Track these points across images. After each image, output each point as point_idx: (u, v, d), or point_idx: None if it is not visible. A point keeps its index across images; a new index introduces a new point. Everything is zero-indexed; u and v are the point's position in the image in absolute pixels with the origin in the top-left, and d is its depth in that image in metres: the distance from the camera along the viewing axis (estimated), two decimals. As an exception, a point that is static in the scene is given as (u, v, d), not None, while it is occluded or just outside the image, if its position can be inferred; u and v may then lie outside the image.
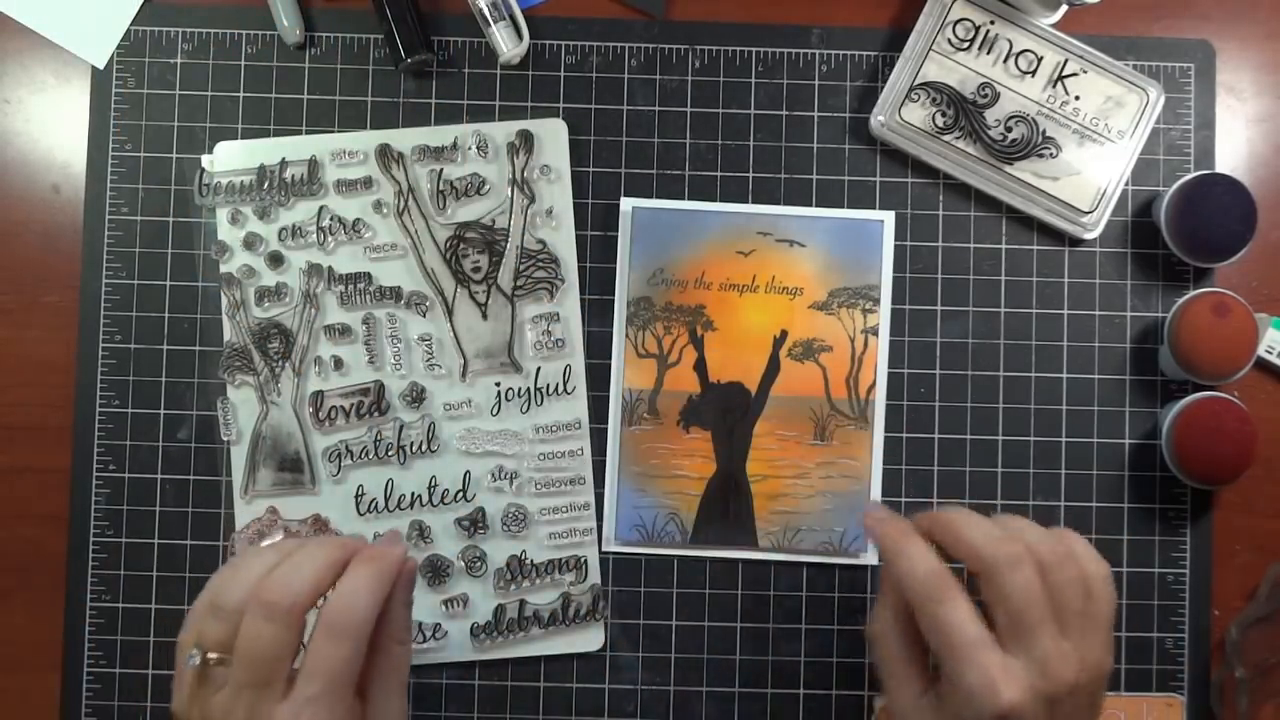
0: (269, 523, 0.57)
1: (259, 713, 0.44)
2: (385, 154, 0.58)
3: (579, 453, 0.58)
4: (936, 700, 0.46)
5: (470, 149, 0.58)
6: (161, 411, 0.58)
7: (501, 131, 0.58)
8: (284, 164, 0.58)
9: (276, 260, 0.58)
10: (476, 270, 0.58)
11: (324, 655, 0.44)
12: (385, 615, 0.47)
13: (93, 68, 0.59)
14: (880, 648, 0.49)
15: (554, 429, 0.58)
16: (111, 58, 0.59)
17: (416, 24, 0.57)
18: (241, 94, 0.59)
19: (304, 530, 0.57)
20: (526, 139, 0.58)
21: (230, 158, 0.58)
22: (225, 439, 0.57)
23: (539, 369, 0.58)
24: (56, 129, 0.59)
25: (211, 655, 0.44)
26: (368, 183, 0.58)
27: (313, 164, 0.58)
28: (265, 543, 0.49)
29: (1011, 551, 0.45)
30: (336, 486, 0.57)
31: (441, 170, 0.58)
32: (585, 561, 0.57)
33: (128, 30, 0.59)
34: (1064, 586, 0.46)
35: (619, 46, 0.59)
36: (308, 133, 0.58)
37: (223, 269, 0.58)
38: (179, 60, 0.59)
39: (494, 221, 0.58)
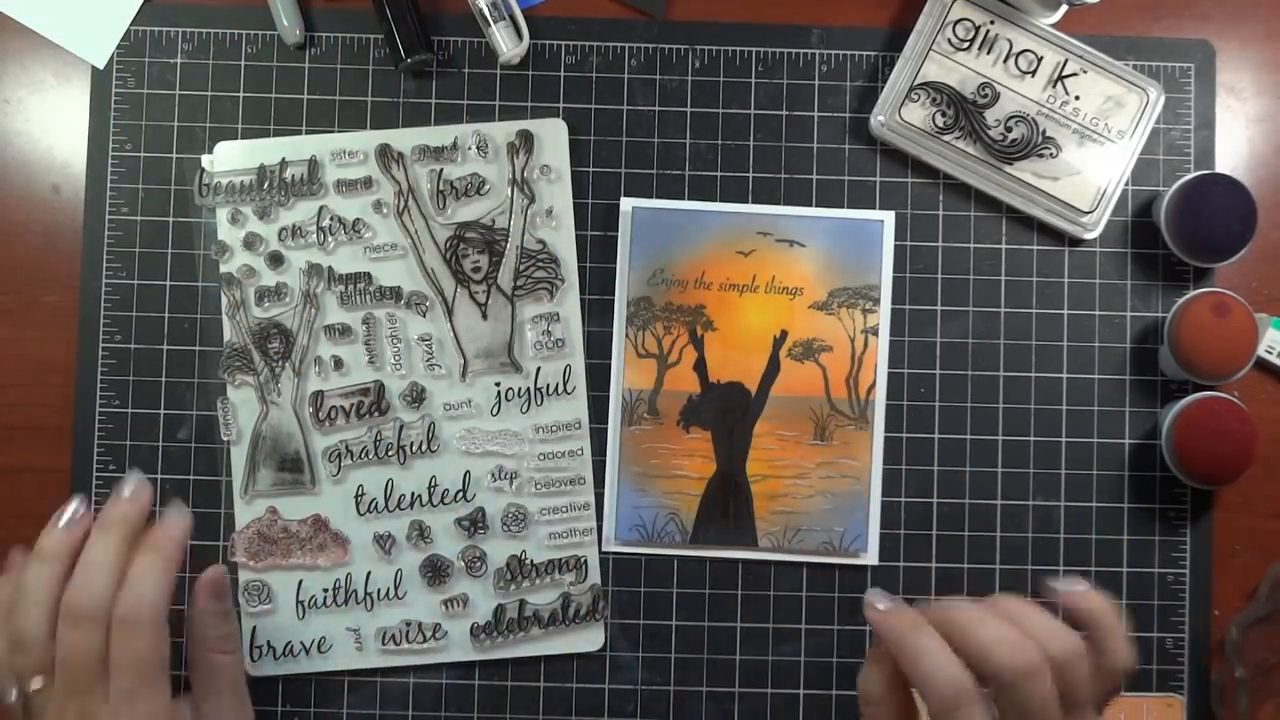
0: (268, 522, 0.57)
1: (88, 716, 0.45)
2: (385, 154, 0.58)
3: (579, 453, 0.58)
4: None
5: (470, 149, 0.58)
6: (161, 411, 0.58)
7: (501, 131, 0.58)
8: (284, 164, 0.58)
9: (276, 260, 0.58)
10: (476, 270, 0.58)
11: (126, 649, 0.45)
12: (193, 626, 0.49)
13: (93, 68, 0.59)
14: (872, 709, 0.46)
15: (554, 429, 0.58)
16: (111, 58, 0.59)
17: (416, 24, 0.57)
18: (241, 94, 0.59)
19: (303, 531, 0.57)
20: (526, 139, 0.58)
21: (230, 158, 0.58)
22: (225, 439, 0.57)
23: (539, 369, 0.58)
24: (56, 129, 0.59)
25: (31, 685, 0.46)
26: (368, 183, 0.58)
27: (313, 164, 0.58)
28: (51, 530, 0.48)
29: (1030, 661, 0.42)
30: (336, 486, 0.57)
31: (441, 170, 0.58)
32: (585, 561, 0.57)
33: (128, 30, 0.59)
34: (1078, 686, 0.44)
35: (619, 46, 0.59)
36: (308, 133, 0.58)
37: (223, 269, 0.58)
38: (179, 60, 0.59)
39: (494, 221, 0.58)
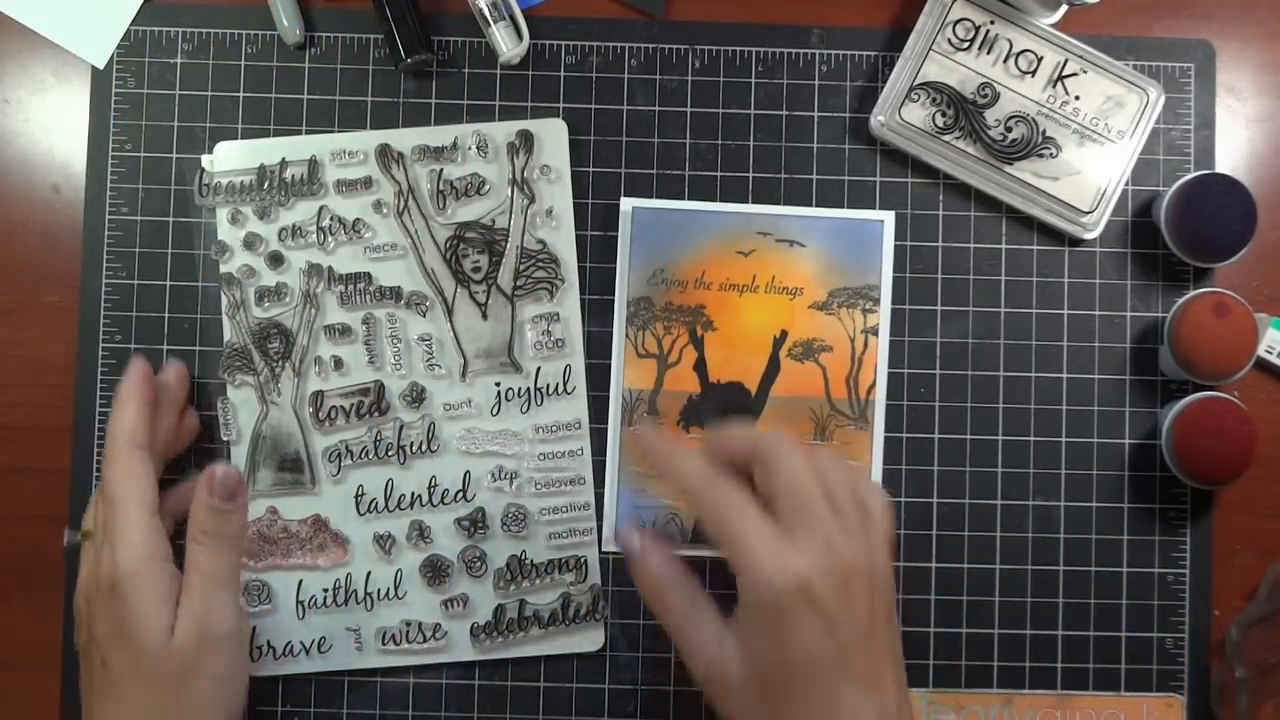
0: (268, 522, 0.57)
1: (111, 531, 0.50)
2: (385, 154, 0.58)
3: (579, 453, 0.58)
4: (737, 628, 0.46)
5: (470, 149, 0.58)
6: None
7: (501, 132, 0.58)
8: (284, 164, 0.58)
9: (276, 260, 0.58)
10: (476, 270, 0.58)
11: (106, 478, 0.51)
12: (190, 515, 0.51)
13: (93, 68, 0.59)
14: (661, 601, 0.49)
15: (554, 429, 0.58)
16: (111, 58, 0.59)
17: (416, 24, 0.57)
18: (241, 94, 0.59)
19: (303, 531, 0.57)
20: (526, 139, 0.58)
21: (230, 158, 0.58)
22: (225, 439, 0.57)
23: (539, 369, 0.58)
24: (56, 129, 0.59)
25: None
26: (368, 183, 0.58)
27: (313, 164, 0.58)
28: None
29: (788, 442, 0.47)
30: (336, 486, 0.57)
31: (441, 170, 0.58)
32: (585, 561, 0.57)
33: (128, 30, 0.59)
34: (837, 485, 0.46)
35: (619, 46, 0.59)
36: (308, 133, 0.58)
37: (223, 269, 0.58)
38: (179, 60, 0.59)
39: (494, 221, 0.58)
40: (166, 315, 0.58)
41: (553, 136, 0.58)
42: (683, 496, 0.49)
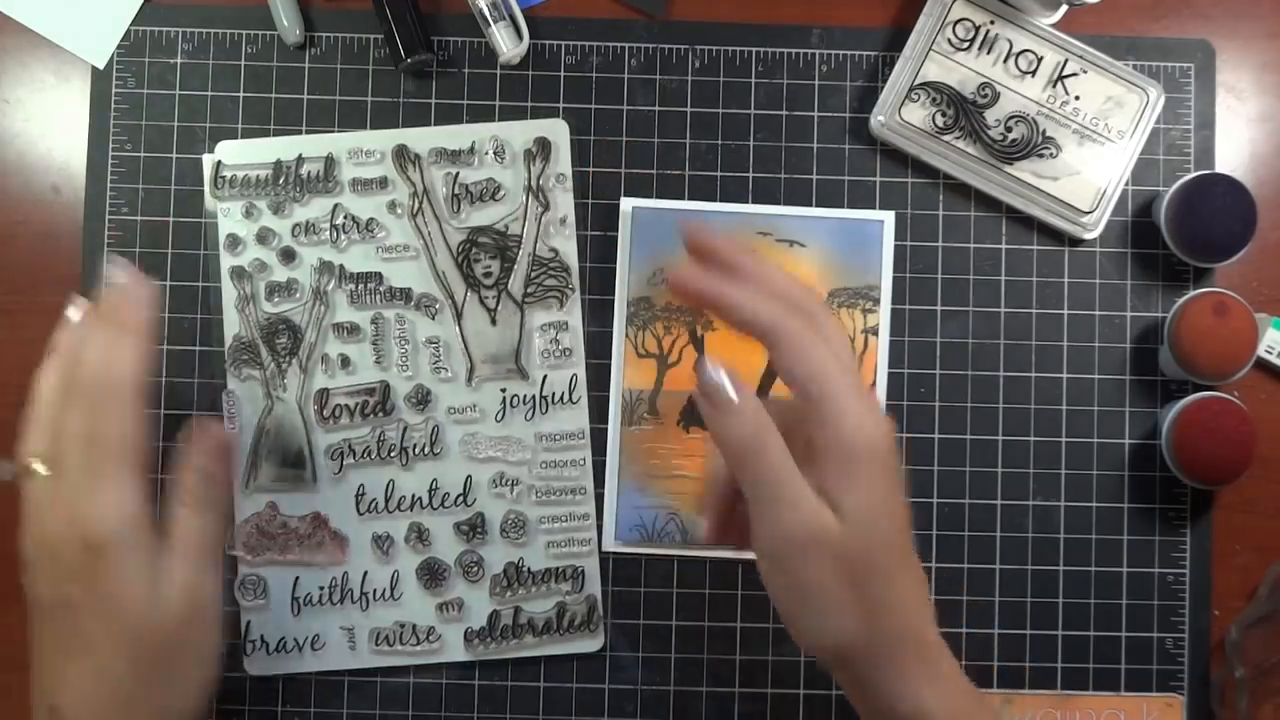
0: (268, 517, 0.57)
1: (55, 492, 0.46)
2: (402, 155, 0.58)
3: (581, 463, 0.58)
4: (832, 480, 0.43)
5: (487, 154, 0.58)
6: (161, 411, 0.58)
7: (520, 137, 0.58)
8: (300, 160, 0.58)
9: (288, 256, 0.58)
10: (488, 275, 0.58)
11: (88, 423, 0.46)
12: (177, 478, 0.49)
13: (93, 68, 0.59)
14: (764, 448, 0.44)
15: (557, 438, 0.58)
16: (111, 58, 0.59)
17: (416, 24, 0.57)
18: (241, 94, 0.59)
19: (302, 527, 0.57)
20: (544, 146, 0.58)
21: (245, 153, 0.58)
22: (229, 431, 0.57)
23: (545, 377, 0.58)
24: (56, 129, 0.59)
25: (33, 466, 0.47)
26: (383, 183, 0.58)
27: (329, 161, 0.58)
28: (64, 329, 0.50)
29: (803, 328, 0.44)
30: (337, 485, 0.57)
31: (457, 174, 0.58)
32: (583, 572, 0.57)
33: (128, 30, 0.59)
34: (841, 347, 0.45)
35: (619, 46, 0.59)
36: (308, 132, 0.58)
37: (234, 262, 0.58)
38: (179, 60, 0.59)
39: (507, 228, 0.58)
40: (167, 315, 0.58)
41: (558, 139, 0.58)
42: (744, 333, 0.45)
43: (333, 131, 0.58)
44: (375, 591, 0.57)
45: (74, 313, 0.49)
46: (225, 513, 0.51)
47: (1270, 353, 0.58)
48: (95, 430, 0.46)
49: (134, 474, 0.46)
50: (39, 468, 0.47)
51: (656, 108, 0.59)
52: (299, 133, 0.58)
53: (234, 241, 0.58)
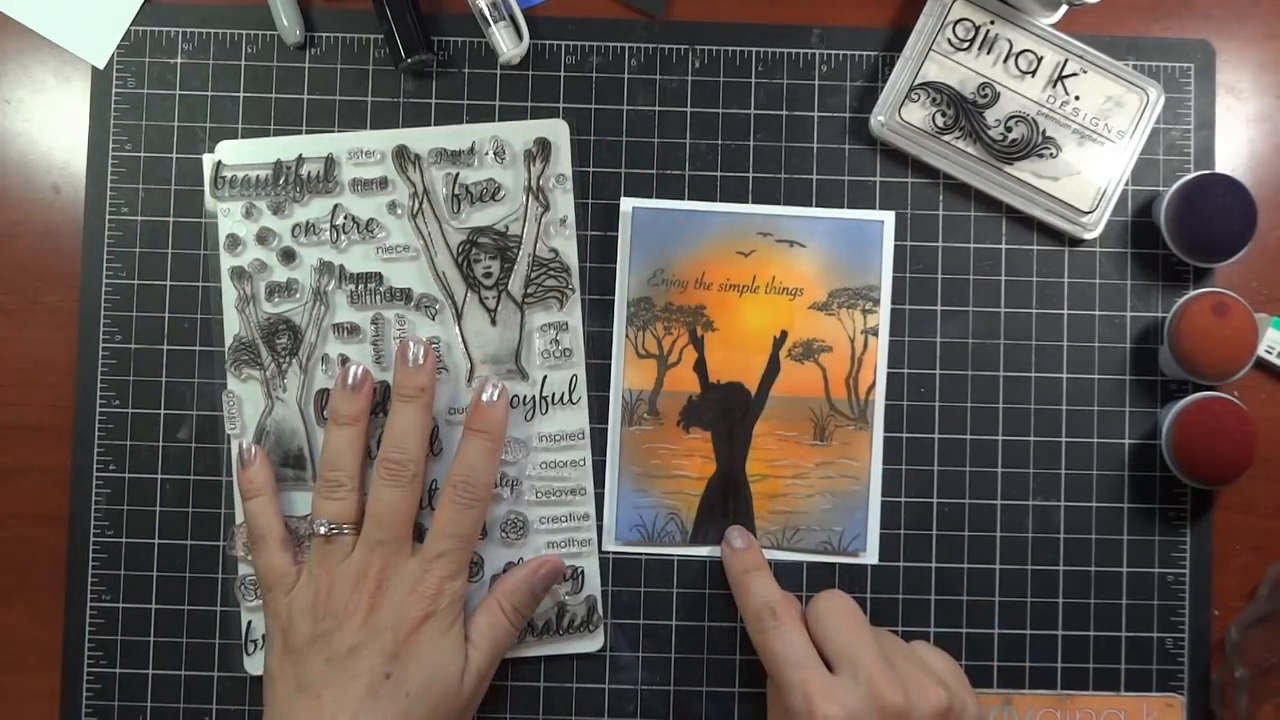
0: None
1: (393, 564, 0.52)
2: (402, 155, 0.58)
3: (581, 463, 0.58)
4: None
5: (488, 154, 0.58)
6: (162, 411, 0.58)
7: (520, 138, 0.58)
8: (300, 160, 0.58)
9: (289, 256, 0.58)
10: (488, 276, 0.58)
11: (451, 519, 0.52)
12: (504, 580, 0.55)
13: (93, 68, 0.59)
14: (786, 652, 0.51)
15: (557, 438, 0.57)
16: (111, 58, 0.59)
17: (416, 24, 0.57)
18: (241, 94, 0.59)
19: (302, 527, 0.57)
20: (544, 147, 0.58)
21: (245, 153, 0.58)
22: (230, 432, 0.57)
23: (545, 377, 0.58)
24: (56, 129, 0.59)
25: (334, 525, 0.53)
26: (383, 183, 0.58)
27: (329, 162, 0.58)
28: (342, 393, 0.55)
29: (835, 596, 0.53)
30: (336, 486, 0.57)
31: (458, 174, 0.58)
32: (582, 572, 0.57)
33: (128, 30, 0.59)
34: (892, 643, 0.52)
35: (619, 46, 0.59)
36: (308, 133, 0.58)
37: (234, 262, 0.58)
38: (179, 60, 0.59)
39: (507, 228, 0.58)
40: (166, 315, 0.58)
41: (558, 139, 0.58)
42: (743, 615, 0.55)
43: (333, 132, 0.58)
44: (375, 591, 0.57)
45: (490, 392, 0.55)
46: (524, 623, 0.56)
47: (1270, 353, 0.58)
48: (451, 522, 0.53)
49: (467, 565, 0.54)
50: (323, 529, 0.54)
51: (656, 108, 0.59)
52: (299, 133, 0.58)
53: (234, 242, 0.58)
